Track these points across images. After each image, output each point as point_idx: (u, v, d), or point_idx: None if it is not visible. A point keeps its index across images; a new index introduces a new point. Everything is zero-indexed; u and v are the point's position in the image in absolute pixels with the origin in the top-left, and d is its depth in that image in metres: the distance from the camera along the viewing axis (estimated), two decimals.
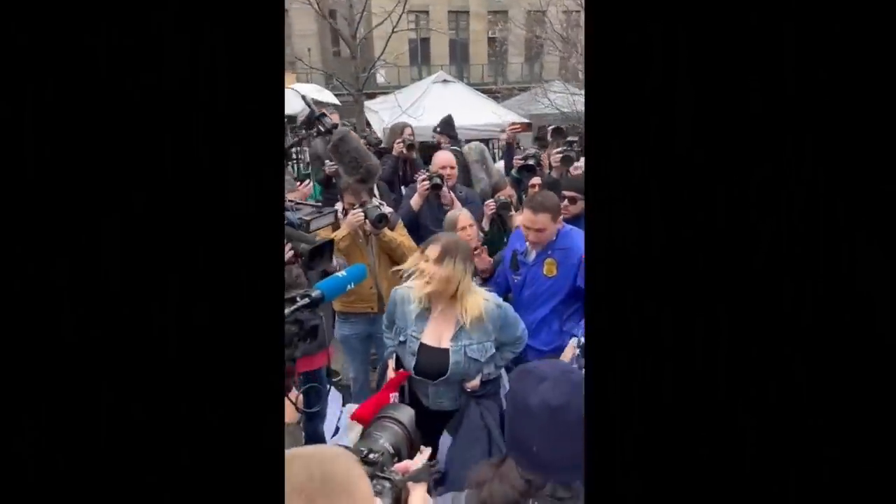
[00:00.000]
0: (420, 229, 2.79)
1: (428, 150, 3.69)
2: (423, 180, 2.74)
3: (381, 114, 7.37)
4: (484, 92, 9.71)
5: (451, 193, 2.79)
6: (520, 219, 2.50)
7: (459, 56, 18.32)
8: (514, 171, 3.17)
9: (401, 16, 6.52)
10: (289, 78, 12.94)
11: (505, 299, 2.29)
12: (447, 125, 3.87)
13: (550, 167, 3.22)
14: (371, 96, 9.04)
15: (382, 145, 3.68)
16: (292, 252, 1.62)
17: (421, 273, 1.83)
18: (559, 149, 3.05)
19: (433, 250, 1.80)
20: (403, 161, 3.45)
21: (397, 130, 3.60)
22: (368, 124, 7.15)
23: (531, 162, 3.05)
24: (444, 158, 2.90)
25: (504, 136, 3.86)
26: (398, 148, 3.37)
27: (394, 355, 1.97)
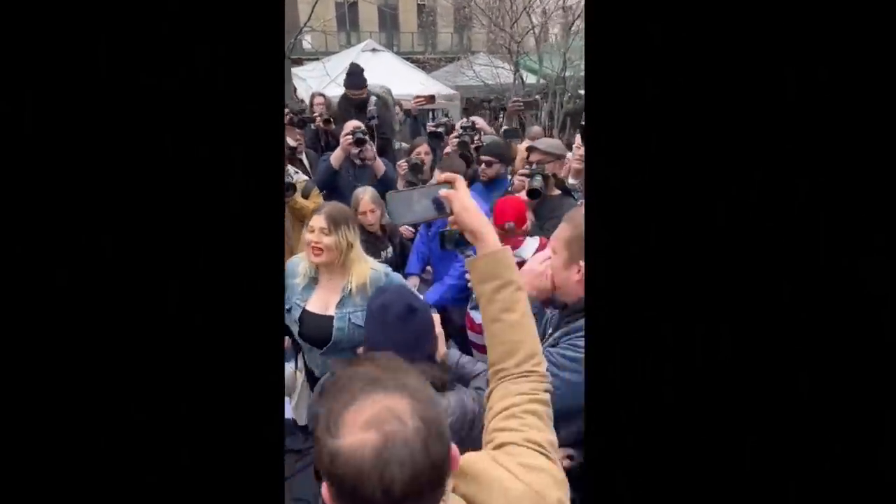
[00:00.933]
0: (340, 189, 2.89)
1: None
2: (347, 135, 2.83)
3: (309, 81, 7.39)
4: (412, 62, 9.84)
5: (373, 149, 2.92)
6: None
7: (389, 23, 18.11)
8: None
9: None
10: None
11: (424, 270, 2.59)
12: (356, 76, 3.64)
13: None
14: (297, 62, 8.92)
15: (305, 114, 3.78)
16: None
17: (308, 244, 1.85)
18: (455, 133, 3.20)
19: (318, 220, 1.82)
20: (325, 132, 3.58)
21: (311, 102, 3.73)
22: (295, 91, 7.14)
23: (440, 130, 3.35)
24: (353, 126, 2.97)
25: (411, 106, 3.96)
26: (317, 122, 3.53)
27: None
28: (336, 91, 4.49)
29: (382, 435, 0.57)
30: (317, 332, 1.88)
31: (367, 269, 1.90)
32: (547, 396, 0.85)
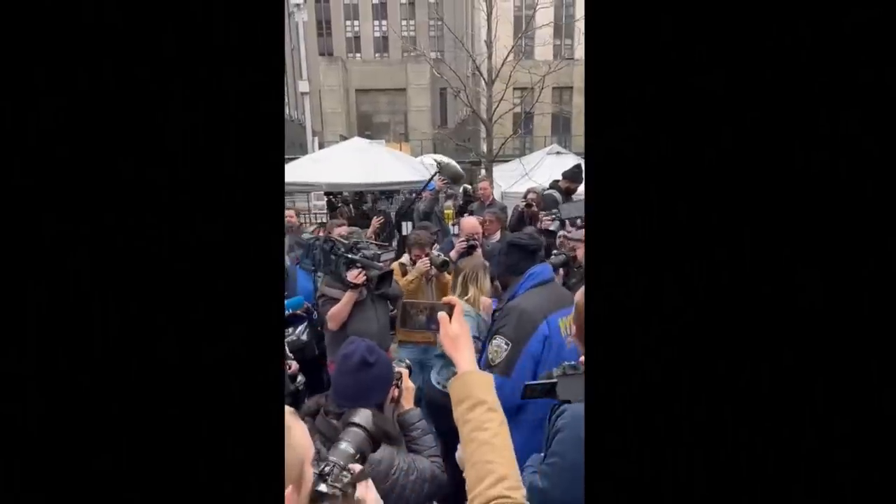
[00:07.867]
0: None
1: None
2: (462, 241, 3.41)
3: (498, 179, 8.43)
4: None
5: (481, 250, 3.42)
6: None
7: (561, 128, 19.46)
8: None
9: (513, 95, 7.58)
10: (405, 147, 14.77)
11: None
12: (577, 174, 4.58)
13: None
14: (478, 163, 10.18)
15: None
16: (365, 275, 2.54)
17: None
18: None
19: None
20: (528, 215, 4.35)
21: (524, 194, 4.67)
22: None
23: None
24: (470, 224, 3.64)
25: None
26: (520, 205, 4.45)
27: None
28: (530, 184, 5.25)
29: None
30: None
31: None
32: None
